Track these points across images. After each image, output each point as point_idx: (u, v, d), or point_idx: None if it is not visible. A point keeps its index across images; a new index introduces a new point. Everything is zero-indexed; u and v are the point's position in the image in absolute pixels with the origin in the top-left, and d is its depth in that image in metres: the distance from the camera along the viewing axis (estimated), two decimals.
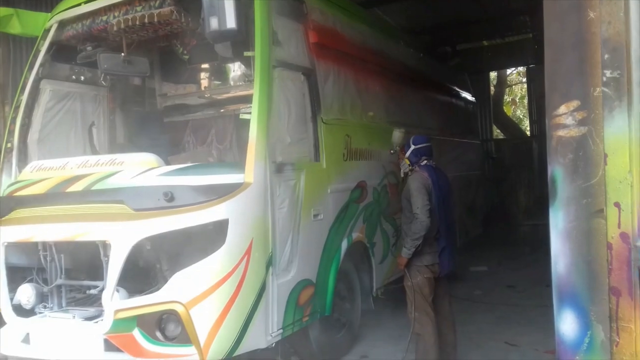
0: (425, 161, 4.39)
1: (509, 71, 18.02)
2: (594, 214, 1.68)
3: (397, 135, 4.66)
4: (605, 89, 1.66)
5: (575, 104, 1.70)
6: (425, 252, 4.22)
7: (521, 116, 21.34)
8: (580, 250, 1.70)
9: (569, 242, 1.71)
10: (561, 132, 1.73)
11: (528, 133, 16.37)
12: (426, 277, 4.25)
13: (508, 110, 19.41)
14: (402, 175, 4.57)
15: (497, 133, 16.70)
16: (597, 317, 1.67)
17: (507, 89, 18.92)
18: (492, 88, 16.15)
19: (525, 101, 18.37)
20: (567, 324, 1.72)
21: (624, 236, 1.65)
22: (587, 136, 1.69)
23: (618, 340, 1.65)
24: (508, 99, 19.89)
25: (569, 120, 1.71)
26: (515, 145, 14.28)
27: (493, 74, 16.20)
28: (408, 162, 4.41)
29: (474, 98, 10.56)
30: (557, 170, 1.75)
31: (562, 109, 1.73)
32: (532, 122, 15.14)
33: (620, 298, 1.64)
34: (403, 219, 4.38)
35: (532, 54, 12.85)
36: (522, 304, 6.44)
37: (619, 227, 1.66)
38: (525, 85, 18.19)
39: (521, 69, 18.12)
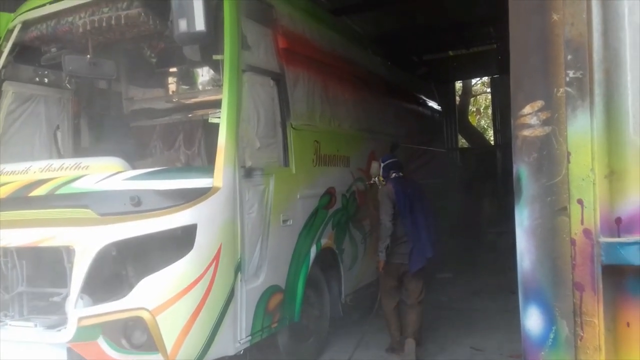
0: (394, 174, 5.03)
1: (473, 81, 18.41)
2: (558, 212, 1.73)
3: (375, 166, 5.31)
4: (569, 89, 1.71)
5: (539, 104, 1.75)
6: (394, 252, 4.86)
7: (485, 126, 21.82)
8: (545, 247, 1.74)
9: (534, 239, 1.75)
10: (526, 132, 1.78)
11: (492, 142, 16.73)
12: (388, 272, 4.94)
13: (473, 120, 19.82)
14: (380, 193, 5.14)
15: (462, 142, 17.01)
16: (562, 312, 1.72)
17: (472, 99, 19.33)
18: (457, 98, 16.45)
19: (489, 111, 18.80)
20: (532, 321, 1.75)
21: (587, 232, 1.70)
22: (551, 135, 1.74)
23: (582, 334, 1.69)
24: (473, 109, 20.31)
25: (533, 120, 1.75)
26: (479, 155, 14.55)
27: (458, 84, 16.51)
28: (381, 179, 5.07)
29: (440, 107, 10.75)
30: (522, 169, 1.80)
31: (527, 109, 1.78)
32: (496, 131, 15.47)
33: (583, 293, 1.69)
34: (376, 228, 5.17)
35: (496, 65, 13.14)
36: (487, 309, 6.55)
37: (582, 223, 1.71)
38: (489, 96, 18.64)
39: (485, 79, 18.56)
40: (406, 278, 4.98)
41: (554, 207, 1.72)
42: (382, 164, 5.10)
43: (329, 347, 5.30)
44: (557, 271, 1.71)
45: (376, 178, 5.22)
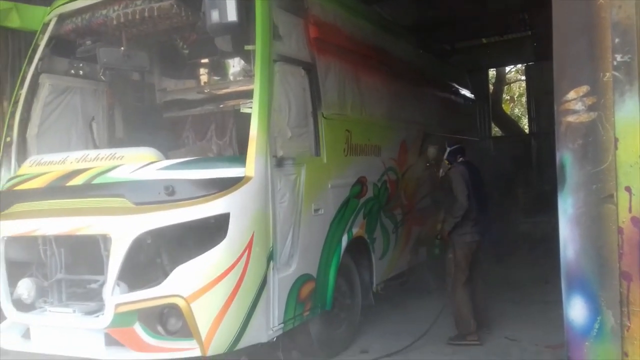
0: (460, 158, 5.37)
1: (507, 69, 18.01)
2: (603, 199, 1.67)
3: (432, 151, 6.03)
4: (616, 73, 1.65)
5: (584, 89, 1.69)
6: (467, 231, 5.11)
7: (519, 114, 21.36)
8: (589, 236, 1.69)
9: (578, 228, 1.70)
10: (570, 118, 1.72)
11: (526, 131, 16.37)
12: (465, 252, 5.10)
13: (507, 108, 19.42)
14: (442, 174, 5.67)
15: (496, 131, 16.69)
16: (607, 302, 1.67)
17: (505, 87, 18.92)
18: (490, 86, 16.13)
19: (524, 99, 18.38)
20: (576, 310, 1.71)
21: (635, 221, 1.64)
22: (597, 121, 1.68)
23: (629, 324, 1.64)
24: (506, 97, 19.90)
25: (578, 106, 1.70)
26: (513, 143, 14.26)
27: (492, 72, 16.18)
28: (447, 162, 5.43)
29: (473, 95, 10.55)
30: (566, 156, 1.75)
31: (572, 94, 1.72)
32: (531, 119, 15.12)
33: (631, 282, 1.63)
34: (446, 206, 5.39)
35: (531, 52, 12.84)
36: (522, 300, 6.44)
37: (630, 211, 1.65)
38: (523, 83, 18.21)
39: (520, 66, 18.14)
40: (475, 257, 5.21)
41: (600, 195, 1.66)
42: (448, 149, 5.41)
43: (361, 335, 5.29)
44: (602, 260, 1.66)
45: (433, 162, 5.92)
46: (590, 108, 1.69)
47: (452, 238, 5.16)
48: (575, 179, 1.72)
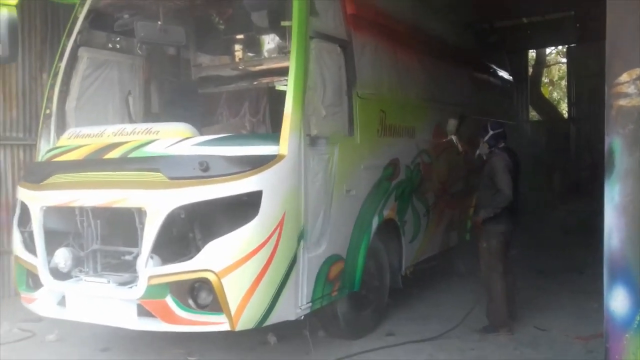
0: (502, 144, 5.07)
1: (547, 51, 17.45)
2: None
3: (451, 123, 5.66)
4: None
5: (638, 71, 1.60)
6: (502, 221, 4.88)
7: (558, 98, 20.76)
8: (637, 225, 1.61)
9: (624, 216, 1.63)
10: (622, 102, 1.63)
11: (565, 116, 15.91)
12: (500, 241, 4.91)
13: (545, 92, 18.89)
14: (477, 156, 5.31)
15: (533, 115, 16.27)
16: None
17: (545, 70, 18.37)
18: (529, 68, 15.68)
19: (563, 83, 17.84)
20: (617, 301, 1.65)
21: None
22: None
23: None
24: (545, 80, 19.34)
25: (631, 89, 1.61)
26: (551, 128, 13.89)
27: (531, 54, 15.69)
28: (487, 146, 5.09)
29: (511, 77, 10.27)
30: (616, 142, 1.66)
31: (624, 77, 1.63)
32: (571, 104, 14.67)
33: None
34: (482, 192, 5.16)
35: (573, 33, 12.37)
36: (552, 289, 6.33)
37: None
38: (562, 67, 17.65)
39: (560, 48, 17.56)
40: (508, 246, 5.04)
41: None
42: (491, 132, 5.07)
43: (387, 318, 5.28)
44: None
45: (451, 136, 5.66)
46: None
47: (486, 227, 4.94)
48: (625, 166, 1.64)
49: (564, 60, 17.05)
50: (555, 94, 20.98)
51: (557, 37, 13.51)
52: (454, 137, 5.66)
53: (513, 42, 12.48)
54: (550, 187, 10.96)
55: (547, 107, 16.67)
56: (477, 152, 5.25)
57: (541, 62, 16.73)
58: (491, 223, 4.89)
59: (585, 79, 12.90)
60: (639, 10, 1.60)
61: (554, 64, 19.98)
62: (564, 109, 17.80)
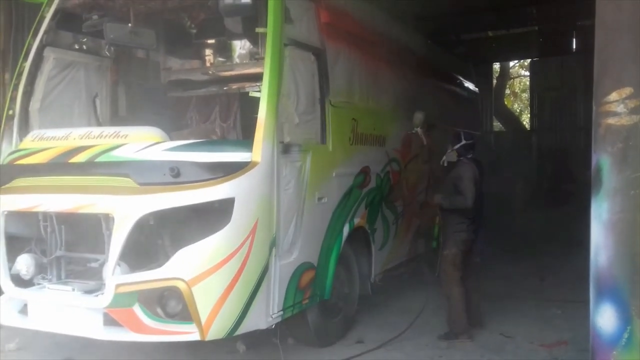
0: (471, 154, 5.19)
1: (511, 64, 17.94)
2: None
3: (418, 117, 5.67)
4: None
5: (628, 91, 1.63)
6: (462, 229, 4.97)
7: (519, 110, 21.31)
8: (625, 243, 1.64)
9: (613, 234, 1.66)
10: (611, 120, 1.66)
11: (527, 127, 16.36)
12: (461, 250, 4.99)
13: (508, 103, 19.38)
14: (444, 163, 5.35)
15: (496, 125, 16.67)
16: (639, 311, 1.62)
17: (508, 82, 18.86)
18: (494, 80, 16.07)
19: (524, 95, 18.34)
20: (604, 318, 1.67)
21: None
22: None
23: None
24: (508, 92, 19.84)
25: (620, 108, 1.64)
26: (514, 139, 14.26)
27: (496, 66, 16.10)
28: (456, 154, 5.19)
29: (477, 89, 10.49)
30: (604, 160, 1.69)
31: (614, 95, 1.66)
32: (533, 115, 15.11)
33: None
34: (444, 193, 5.18)
35: (536, 47, 12.77)
36: (517, 295, 6.45)
37: None
38: (524, 79, 18.14)
39: (523, 61, 18.07)
40: (468, 255, 5.09)
41: (638, 201, 1.61)
42: (464, 141, 5.17)
43: (357, 325, 5.29)
44: (636, 268, 1.61)
45: (417, 129, 5.73)
46: (633, 111, 1.62)
47: (447, 235, 5.05)
48: (613, 184, 1.67)
49: (527, 73, 17.54)
50: (516, 106, 21.54)
51: (521, 50, 13.94)
52: (419, 130, 5.67)
53: (478, 54, 12.81)
54: (514, 196, 11.22)
55: (510, 118, 17.11)
56: (444, 158, 5.31)
57: (505, 74, 17.19)
58: (452, 231, 4.99)
59: (546, 91, 13.29)
60: (628, 29, 1.64)
61: (517, 77, 20.52)
62: (525, 120, 18.29)
